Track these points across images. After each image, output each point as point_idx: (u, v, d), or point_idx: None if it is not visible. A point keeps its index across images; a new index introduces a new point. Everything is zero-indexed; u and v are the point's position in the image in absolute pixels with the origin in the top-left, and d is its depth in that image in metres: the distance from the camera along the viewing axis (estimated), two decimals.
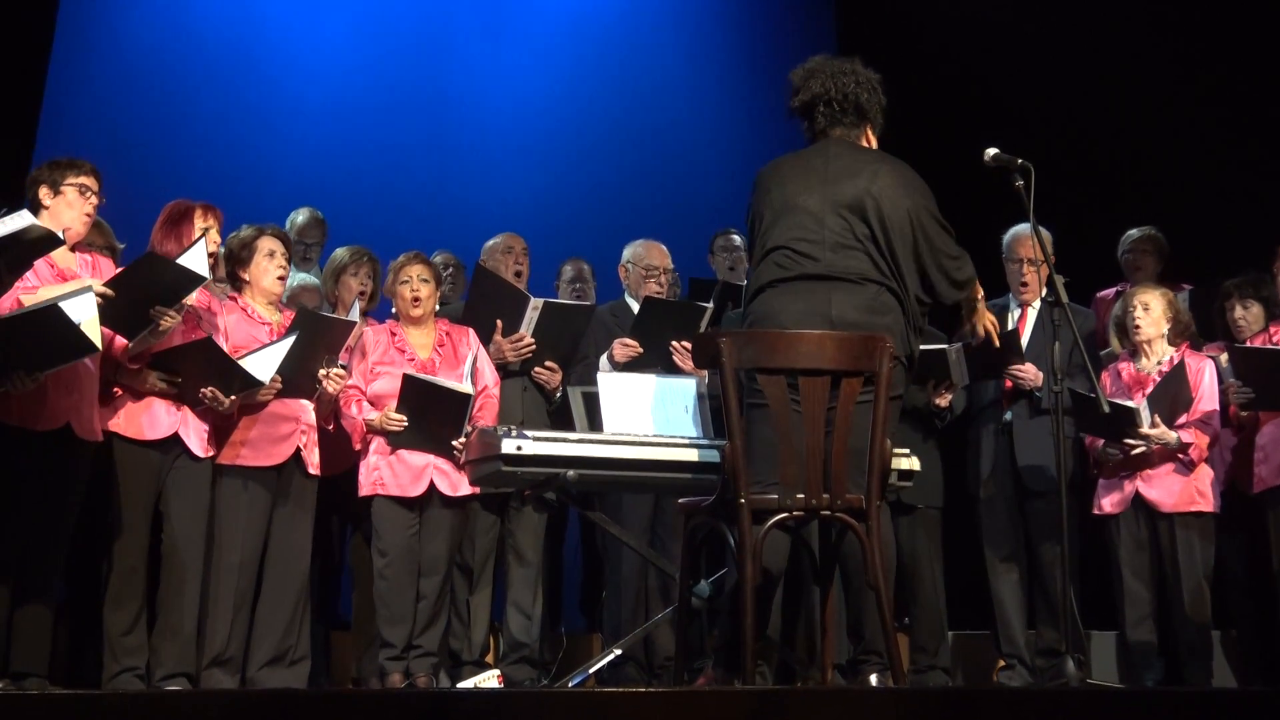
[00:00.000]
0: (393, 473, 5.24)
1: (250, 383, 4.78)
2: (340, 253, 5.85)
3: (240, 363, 4.76)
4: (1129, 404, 5.37)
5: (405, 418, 5.19)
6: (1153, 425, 5.37)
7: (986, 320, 4.35)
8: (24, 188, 4.65)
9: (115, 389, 4.75)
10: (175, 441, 4.80)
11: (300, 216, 6.57)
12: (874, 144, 4.20)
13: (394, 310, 5.57)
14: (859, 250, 3.92)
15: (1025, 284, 5.82)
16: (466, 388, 5.23)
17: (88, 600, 4.97)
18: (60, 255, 4.60)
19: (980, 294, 4.29)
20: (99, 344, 4.31)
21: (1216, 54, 7.31)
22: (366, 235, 6.58)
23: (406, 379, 5.17)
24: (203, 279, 4.62)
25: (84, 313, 4.23)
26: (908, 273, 3.97)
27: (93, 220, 4.73)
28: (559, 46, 8.66)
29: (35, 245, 4.21)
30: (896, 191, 3.98)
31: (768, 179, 4.10)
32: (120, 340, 4.61)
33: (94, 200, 4.65)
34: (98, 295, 4.31)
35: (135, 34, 7.87)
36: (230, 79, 7.99)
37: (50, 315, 4.16)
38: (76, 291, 4.29)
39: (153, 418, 4.77)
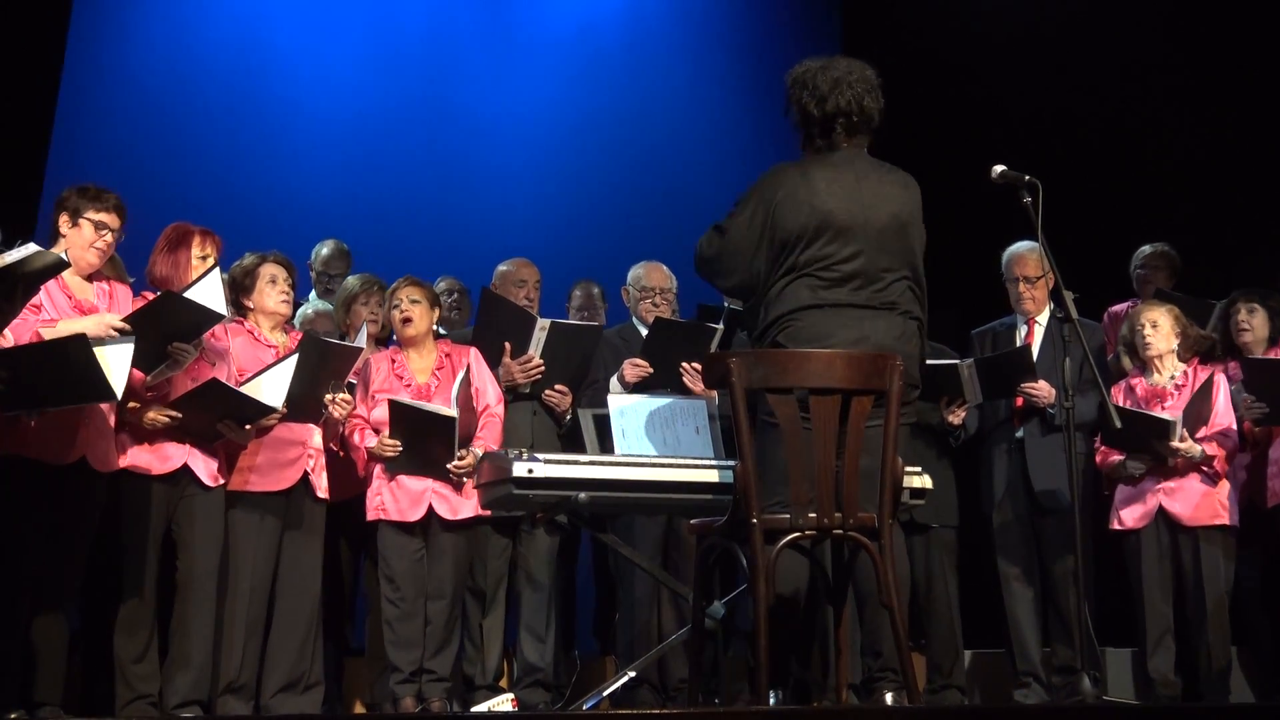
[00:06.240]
0: (393, 498, 5.26)
1: (264, 410, 4.80)
2: (351, 281, 5.87)
3: (248, 388, 4.77)
4: (1165, 417, 5.34)
5: (399, 443, 5.20)
6: (1181, 439, 5.34)
7: None
8: (34, 213, 4.63)
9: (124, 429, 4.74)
10: (184, 472, 4.80)
11: (325, 249, 6.58)
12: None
13: (395, 336, 5.57)
14: (896, 281, 3.91)
15: (1024, 300, 5.79)
16: (449, 410, 5.19)
17: (100, 630, 4.97)
18: (77, 286, 4.60)
19: None
20: (119, 394, 4.29)
21: (1233, 68, 7.29)
22: (375, 258, 6.61)
23: (391, 405, 5.18)
24: (221, 316, 4.63)
25: (119, 361, 4.22)
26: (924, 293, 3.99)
27: (107, 256, 4.68)
28: (567, 66, 8.68)
29: (43, 272, 4.20)
30: (917, 212, 3.99)
31: (795, 184, 3.95)
32: (138, 374, 4.61)
33: (109, 238, 4.61)
34: (114, 330, 4.31)
35: (144, 62, 7.90)
36: (240, 104, 8.02)
37: (71, 347, 4.13)
38: (119, 339, 4.28)
39: (161, 452, 4.77)
